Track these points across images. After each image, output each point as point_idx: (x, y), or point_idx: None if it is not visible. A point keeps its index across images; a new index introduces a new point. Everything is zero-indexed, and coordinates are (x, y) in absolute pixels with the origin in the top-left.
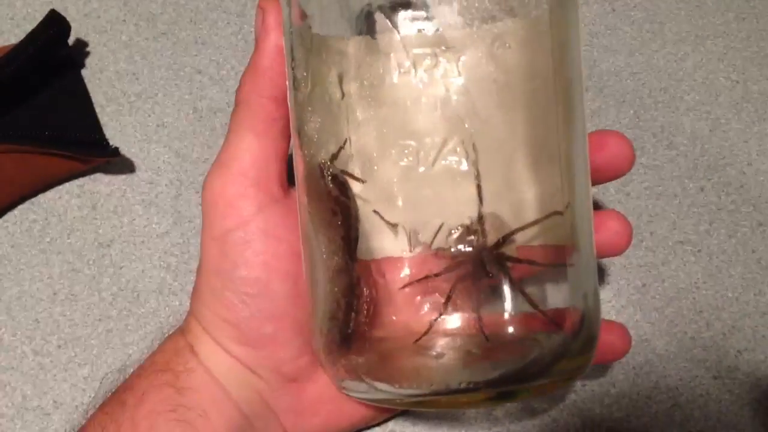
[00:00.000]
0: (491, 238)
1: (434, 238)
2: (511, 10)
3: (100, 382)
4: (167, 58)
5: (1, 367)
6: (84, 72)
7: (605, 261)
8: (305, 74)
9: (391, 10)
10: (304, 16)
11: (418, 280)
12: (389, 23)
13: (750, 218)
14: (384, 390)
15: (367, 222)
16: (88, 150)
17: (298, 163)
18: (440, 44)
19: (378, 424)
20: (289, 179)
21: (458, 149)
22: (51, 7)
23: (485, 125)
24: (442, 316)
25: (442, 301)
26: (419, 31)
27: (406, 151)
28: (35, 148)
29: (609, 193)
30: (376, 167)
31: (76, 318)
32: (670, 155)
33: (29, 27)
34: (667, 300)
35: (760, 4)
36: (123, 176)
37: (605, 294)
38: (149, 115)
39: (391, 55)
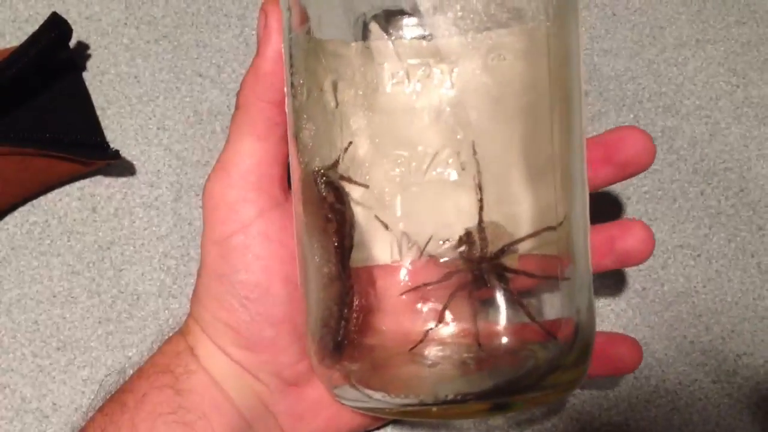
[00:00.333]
0: (489, 249)
1: (425, 247)
2: (507, 21)
3: (100, 384)
4: (168, 61)
5: (0, 369)
6: (85, 74)
7: None
8: (302, 81)
9: (386, 20)
10: (303, 21)
11: (415, 289)
12: (384, 32)
13: (750, 222)
14: (376, 398)
15: (362, 230)
16: (89, 152)
17: (295, 170)
18: (434, 55)
19: (377, 429)
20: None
21: (450, 160)
22: (53, 9)
23: (479, 137)
24: (438, 325)
25: (438, 309)
26: (413, 40)
27: (398, 161)
28: (36, 150)
29: (609, 197)
30: (368, 176)
31: (76, 320)
32: (670, 159)
33: (31, 29)
34: (666, 304)
35: (760, 8)
36: (123, 179)
37: (604, 298)
38: (150, 118)
39: (385, 64)
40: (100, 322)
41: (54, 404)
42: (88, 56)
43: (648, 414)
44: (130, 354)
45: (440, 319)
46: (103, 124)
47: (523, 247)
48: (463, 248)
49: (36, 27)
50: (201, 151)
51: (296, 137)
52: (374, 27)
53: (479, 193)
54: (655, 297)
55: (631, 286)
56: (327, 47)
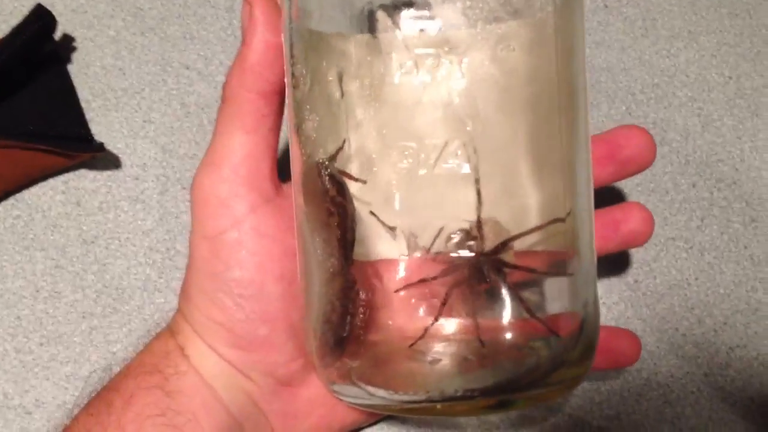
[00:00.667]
0: (490, 244)
1: (434, 241)
2: (516, 12)
3: (85, 381)
4: (155, 54)
5: None
6: (70, 67)
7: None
8: (304, 72)
9: (393, 9)
10: (303, 12)
11: (414, 284)
12: (391, 22)
13: (742, 214)
14: (377, 395)
15: (365, 224)
16: (73, 145)
17: (296, 162)
18: (443, 45)
19: (370, 425)
20: (282, 176)
21: (459, 152)
22: (37, 1)
23: (487, 128)
24: (439, 321)
25: (439, 305)
26: (422, 30)
27: (406, 153)
28: (19, 143)
29: (600, 188)
30: (375, 168)
31: (59, 315)
32: (662, 151)
33: (15, 22)
34: (658, 296)
35: (753, 0)
36: (108, 172)
37: None
38: (136, 111)
39: (393, 54)
40: (84, 317)
41: (37, 400)
42: (74, 48)
43: (640, 407)
44: (114, 350)
45: (439, 315)
46: (88, 117)
47: (530, 241)
48: (470, 242)
49: (20, 19)
50: (188, 144)
51: (298, 129)
52: (381, 16)
53: (477, 183)
54: (647, 290)
55: (623, 279)
56: (329, 38)
